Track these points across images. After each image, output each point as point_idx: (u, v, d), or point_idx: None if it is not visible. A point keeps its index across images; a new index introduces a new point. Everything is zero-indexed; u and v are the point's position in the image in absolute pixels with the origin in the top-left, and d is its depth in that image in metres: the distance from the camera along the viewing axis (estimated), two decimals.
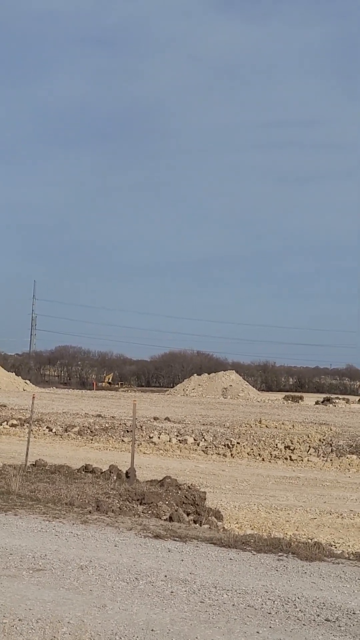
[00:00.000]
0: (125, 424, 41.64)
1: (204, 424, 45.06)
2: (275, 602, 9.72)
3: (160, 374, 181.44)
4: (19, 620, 8.50)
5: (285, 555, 12.45)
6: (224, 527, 17.18)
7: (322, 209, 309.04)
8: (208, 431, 40.16)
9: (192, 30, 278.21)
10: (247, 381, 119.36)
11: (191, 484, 20.13)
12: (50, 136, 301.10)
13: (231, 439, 37.38)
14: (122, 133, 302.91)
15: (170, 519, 15.53)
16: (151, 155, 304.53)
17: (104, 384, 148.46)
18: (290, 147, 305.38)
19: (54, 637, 7.82)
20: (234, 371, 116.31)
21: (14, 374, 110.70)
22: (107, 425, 41.58)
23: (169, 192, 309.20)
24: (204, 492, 18.79)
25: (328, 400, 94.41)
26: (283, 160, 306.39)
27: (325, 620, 9.14)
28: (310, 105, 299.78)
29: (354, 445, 36.33)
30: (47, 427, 40.39)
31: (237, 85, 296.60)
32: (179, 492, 18.05)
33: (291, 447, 35.69)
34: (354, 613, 9.44)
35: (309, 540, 15.14)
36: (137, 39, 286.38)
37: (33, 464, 22.50)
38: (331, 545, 15.96)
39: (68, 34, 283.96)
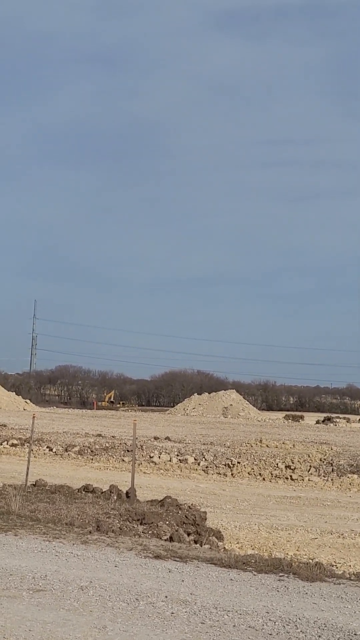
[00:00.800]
0: (125, 443, 41.57)
1: (204, 444, 44.99)
2: (277, 623, 9.68)
3: (161, 393, 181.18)
4: None
5: (286, 575, 12.41)
6: (224, 547, 17.12)
7: (322, 227, 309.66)
8: (209, 451, 40.07)
9: (192, 49, 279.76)
10: (248, 400, 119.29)
11: (192, 504, 20.09)
12: (51, 155, 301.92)
13: (232, 458, 37.29)
14: (123, 152, 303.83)
15: (171, 539, 15.49)
16: (151, 174, 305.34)
17: (104, 403, 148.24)
18: (291, 166, 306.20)
19: None
20: (234, 390, 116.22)
21: (14, 393, 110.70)
22: (107, 444, 41.50)
23: (169, 211, 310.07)
24: (205, 512, 18.75)
25: (329, 419, 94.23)
26: (283, 178, 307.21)
27: None
28: (310, 123, 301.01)
29: (354, 464, 36.23)
30: (47, 447, 40.30)
31: (237, 103, 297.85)
32: (180, 512, 18.02)
33: (292, 467, 35.59)
34: (355, 634, 9.40)
35: (310, 561, 15.09)
36: (137, 58, 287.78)
37: (33, 484, 22.45)
38: (332, 566, 15.92)
39: (68, 54, 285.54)
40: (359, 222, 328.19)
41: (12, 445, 41.38)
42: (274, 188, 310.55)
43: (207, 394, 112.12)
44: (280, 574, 12.46)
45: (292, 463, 36.35)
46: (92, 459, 37.22)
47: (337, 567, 16.03)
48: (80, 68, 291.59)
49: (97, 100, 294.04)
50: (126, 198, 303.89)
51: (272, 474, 34.41)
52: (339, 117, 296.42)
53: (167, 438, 47.89)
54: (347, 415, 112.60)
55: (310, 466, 35.94)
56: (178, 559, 13.27)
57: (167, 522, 16.69)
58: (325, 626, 9.65)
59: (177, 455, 38.47)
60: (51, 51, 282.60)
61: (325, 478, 33.70)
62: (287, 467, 35.69)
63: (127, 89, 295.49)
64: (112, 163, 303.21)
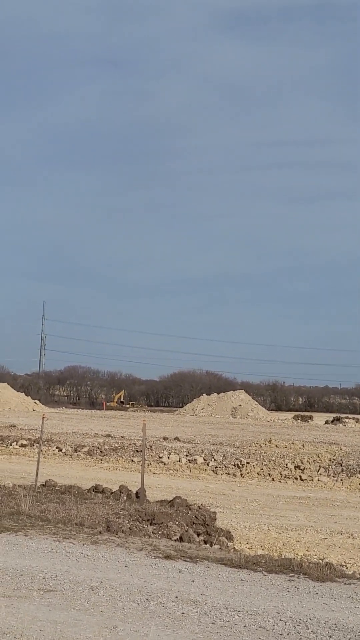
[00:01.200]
0: (134, 444, 41.58)
1: (213, 444, 44.98)
2: (287, 624, 9.68)
3: (170, 393, 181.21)
4: None
5: (297, 576, 12.40)
6: (234, 548, 17.11)
7: (329, 228, 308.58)
8: (218, 451, 40.06)
9: (199, 51, 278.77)
10: (257, 401, 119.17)
11: (201, 504, 20.09)
12: (58, 157, 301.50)
13: (241, 458, 37.27)
14: (129, 153, 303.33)
15: (181, 539, 15.49)
16: (159, 176, 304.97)
17: (113, 403, 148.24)
18: (296, 167, 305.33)
19: None
20: (243, 391, 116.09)
21: (23, 394, 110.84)
22: (116, 445, 41.52)
23: (177, 212, 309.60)
24: (214, 512, 18.75)
25: (338, 419, 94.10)
26: (289, 179, 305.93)
27: None
28: (316, 125, 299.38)
29: None
30: (56, 447, 40.35)
31: (244, 105, 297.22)
32: (189, 512, 18.02)
33: (301, 467, 35.55)
34: None
35: (320, 561, 15.07)
36: (144, 60, 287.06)
37: (43, 484, 22.48)
38: (342, 566, 15.89)
39: (76, 55, 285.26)
40: None
41: (22, 445, 41.44)
42: (279, 189, 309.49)
43: (215, 394, 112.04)
44: (291, 575, 12.45)
45: (302, 463, 36.30)
46: (101, 460, 37.25)
47: (347, 568, 16.00)
48: (87, 70, 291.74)
49: (104, 102, 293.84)
50: (133, 199, 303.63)
51: (281, 474, 34.39)
52: (344, 119, 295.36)
53: (177, 438, 47.90)
54: (356, 416, 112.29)
55: (319, 466, 35.89)
56: (188, 559, 13.28)
57: (177, 523, 16.68)
58: (336, 626, 9.64)
59: (187, 455, 38.46)
60: (58, 53, 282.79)
61: (335, 478, 33.65)
62: (297, 467, 35.64)
63: (134, 91, 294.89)
64: (119, 165, 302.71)
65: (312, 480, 33.42)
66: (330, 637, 9.24)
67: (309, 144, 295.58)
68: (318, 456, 39.04)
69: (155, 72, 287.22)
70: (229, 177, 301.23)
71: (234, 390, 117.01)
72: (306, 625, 9.63)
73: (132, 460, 36.58)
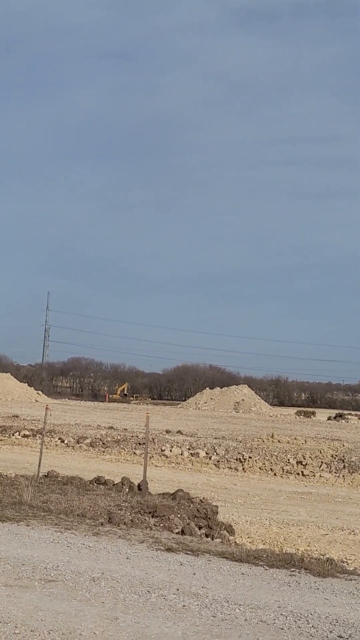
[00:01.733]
0: (137, 436, 41.62)
1: (216, 438, 44.99)
2: (288, 618, 9.67)
3: (173, 387, 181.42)
4: (32, 631, 8.49)
5: (298, 570, 12.40)
6: (235, 542, 17.13)
7: (336, 225, 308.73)
8: (220, 445, 40.06)
9: (209, 47, 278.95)
10: (260, 396, 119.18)
11: (203, 498, 20.12)
12: (67, 150, 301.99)
13: (243, 453, 37.27)
14: (139, 148, 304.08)
15: (182, 532, 15.50)
16: (167, 170, 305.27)
17: (116, 395, 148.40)
18: (306, 164, 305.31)
19: None
20: (246, 385, 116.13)
21: (26, 384, 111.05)
22: (119, 437, 41.55)
23: (185, 207, 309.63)
24: (216, 506, 18.77)
25: (340, 416, 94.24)
26: (299, 176, 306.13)
27: (338, 637, 9.09)
28: (326, 122, 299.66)
29: None
30: (59, 439, 40.38)
31: (254, 101, 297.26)
32: (191, 505, 18.04)
33: (303, 463, 35.56)
34: None
35: (321, 557, 15.07)
36: (155, 55, 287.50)
37: (45, 475, 22.52)
38: (343, 562, 15.89)
39: (86, 49, 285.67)
40: None
41: (24, 436, 41.49)
42: (287, 186, 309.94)
43: (219, 388, 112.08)
44: (292, 569, 12.46)
45: (304, 459, 36.30)
46: (103, 451, 37.28)
47: (348, 564, 16.01)
48: (96, 64, 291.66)
49: (113, 97, 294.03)
50: (140, 194, 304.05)
51: (283, 470, 34.40)
52: (353, 116, 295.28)
53: (179, 432, 47.92)
54: (358, 412, 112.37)
55: (321, 462, 35.89)
56: (189, 552, 13.29)
57: (179, 516, 16.70)
58: (337, 622, 9.64)
59: (189, 449, 38.48)
60: (67, 46, 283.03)
61: (337, 474, 33.66)
62: (299, 462, 35.65)
63: (143, 86, 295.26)
64: (126, 159, 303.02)
65: (314, 476, 33.43)
66: (330, 632, 9.24)
67: (317, 140, 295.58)
68: (320, 452, 39.03)
69: (165, 67, 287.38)
70: (236, 173, 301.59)
71: (237, 385, 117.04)
72: (307, 620, 9.63)
73: (135, 453, 36.60)
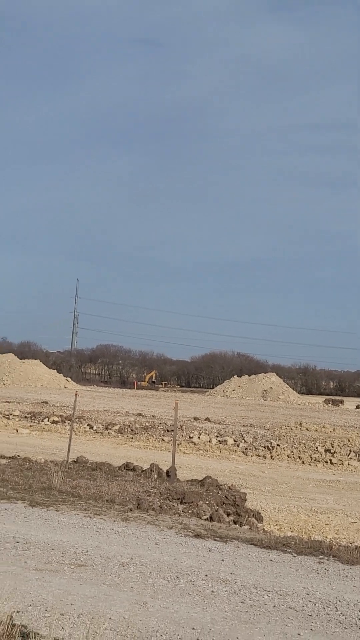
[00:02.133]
0: (165, 423, 41.72)
1: (244, 425, 45.02)
2: (317, 605, 9.68)
3: (201, 374, 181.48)
4: (61, 614, 8.55)
5: (326, 558, 12.39)
6: (264, 529, 17.14)
7: None
8: (248, 432, 40.09)
9: (239, 32, 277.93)
10: (288, 384, 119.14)
11: (231, 485, 20.13)
12: (96, 137, 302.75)
13: (271, 440, 37.28)
14: (168, 134, 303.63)
15: (211, 518, 15.54)
16: (197, 157, 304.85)
17: (144, 382, 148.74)
18: (333, 151, 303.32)
19: (96, 632, 7.84)
20: (274, 373, 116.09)
21: (55, 371, 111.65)
22: (147, 424, 41.68)
23: (211, 195, 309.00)
24: (244, 493, 18.78)
25: None
26: (325, 163, 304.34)
27: None
28: (353, 108, 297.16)
29: None
30: (88, 425, 40.58)
31: (281, 87, 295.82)
32: (220, 492, 18.06)
33: (331, 451, 35.50)
34: None
35: (350, 544, 15.05)
36: (184, 40, 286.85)
37: (74, 461, 22.63)
38: None
39: (115, 34, 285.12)
40: None
41: (53, 422, 41.75)
42: (316, 173, 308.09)
43: (247, 376, 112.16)
44: (320, 557, 12.45)
45: (332, 447, 36.24)
46: (132, 438, 37.41)
47: None
48: (127, 49, 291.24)
49: (143, 82, 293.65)
50: (169, 181, 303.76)
51: (311, 458, 34.35)
52: None
53: (207, 419, 47.99)
54: None
55: (350, 450, 35.81)
56: (218, 539, 13.32)
57: (207, 502, 16.73)
58: None
59: (217, 436, 38.53)
60: (98, 31, 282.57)
61: None
62: (327, 450, 35.60)
63: (173, 72, 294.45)
64: (156, 145, 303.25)
65: (342, 464, 33.35)
66: (359, 619, 9.23)
67: (343, 127, 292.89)
68: (349, 440, 38.95)
69: (194, 53, 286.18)
70: (266, 160, 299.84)
71: (265, 373, 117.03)
72: (335, 607, 9.62)
73: (163, 440, 36.70)
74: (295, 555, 12.50)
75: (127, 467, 21.89)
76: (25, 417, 43.84)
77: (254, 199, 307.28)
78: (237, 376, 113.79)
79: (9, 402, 53.42)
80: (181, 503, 16.52)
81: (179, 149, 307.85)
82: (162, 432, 38.91)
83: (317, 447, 36.28)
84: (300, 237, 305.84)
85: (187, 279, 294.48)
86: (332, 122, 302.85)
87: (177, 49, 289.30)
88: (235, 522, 16.46)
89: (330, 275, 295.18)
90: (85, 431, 38.95)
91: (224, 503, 17.18)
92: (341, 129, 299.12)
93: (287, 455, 34.74)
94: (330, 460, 33.96)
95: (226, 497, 17.50)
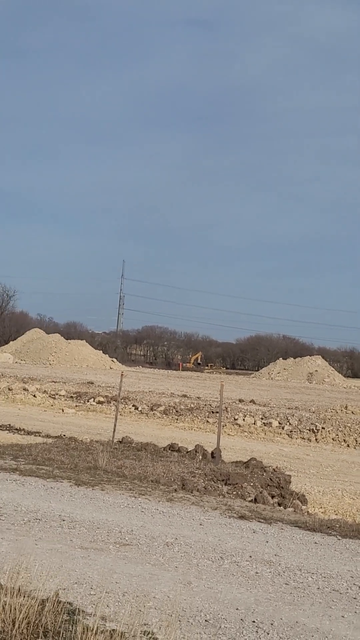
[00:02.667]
0: (210, 405, 41.77)
1: (289, 408, 44.91)
2: None
3: (246, 357, 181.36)
4: (106, 593, 8.63)
5: None
6: (308, 511, 17.12)
7: None
8: (293, 415, 40.00)
9: (291, 12, 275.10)
10: (333, 367, 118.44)
11: (276, 467, 20.14)
12: (147, 118, 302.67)
13: (316, 423, 37.16)
14: (219, 115, 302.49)
15: (255, 500, 15.56)
16: (248, 138, 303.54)
17: (189, 364, 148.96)
18: None
19: (141, 610, 7.91)
20: (319, 356, 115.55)
21: (101, 352, 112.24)
22: (192, 405, 41.76)
23: (264, 175, 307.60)
24: (289, 476, 18.78)
25: None
26: None
27: None
28: None
29: None
30: (133, 406, 40.76)
31: (337, 67, 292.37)
32: (264, 474, 18.08)
33: None
34: None
35: None
36: (235, 22, 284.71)
37: (119, 441, 22.79)
38: None
39: (166, 15, 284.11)
40: None
41: (99, 402, 41.99)
42: None
43: (292, 359, 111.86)
44: None
45: None
46: (177, 419, 37.52)
47: None
48: (178, 31, 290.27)
49: (195, 63, 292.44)
50: (220, 162, 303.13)
51: (356, 441, 34.20)
52: None
53: (252, 401, 47.95)
54: None
55: None
56: (262, 520, 13.34)
57: (252, 484, 16.76)
58: None
59: (262, 418, 38.50)
60: (149, 14, 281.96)
61: None
62: None
63: (226, 52, 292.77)
64: (207, 127, 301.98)
65: None
66: None
67: None
68: None
69: (246, 34, 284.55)
70: (318, 140, 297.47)
71: (310, 356, 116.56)
72: None
73: (207, 421, 36.76)
74: (340, 538, 12.49)
75: (172, 448, 21.98)
76: (71, 397, 44.15)
77: (307, 180, 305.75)
78: (283, 359, 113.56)
79: (55, 382, 53.84)
80: (226, 484, 16.57)
81: (234, 129, 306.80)
82: (207, 413, 38.96)
83: None
84: (353, 218, 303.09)
85: (234, 260, 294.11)
86: None
87: (230, 30, 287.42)
88: (279, 504, 16.47)
89: None
90: (130, 412, 39.14)
91: (268, 485, 17.19)
92: None
93: (332, 439, 34.62)
94: None
95: (270, 479, 17.52)
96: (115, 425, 24.11)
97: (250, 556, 10.76)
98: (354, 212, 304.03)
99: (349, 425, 37.50)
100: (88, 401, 42.27)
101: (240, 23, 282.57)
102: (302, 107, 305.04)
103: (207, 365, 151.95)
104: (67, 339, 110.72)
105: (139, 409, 40.07)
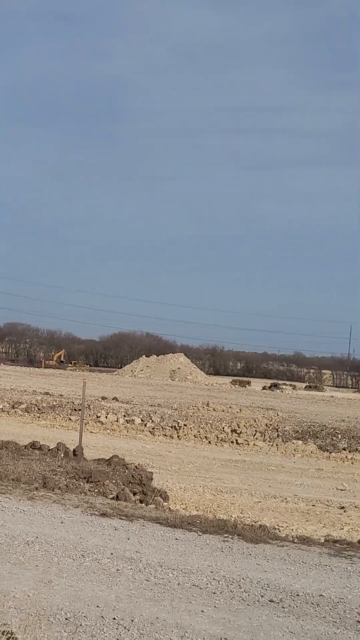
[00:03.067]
0: (73, 402, 41.53)
1: (151, 405, 45.12)
2: (220, 582, 9.81)
3: (109, 354, 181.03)
4: None
5: (231, 536, 12.55)
6: (169, 508, 17.24)
7: (279, 195, 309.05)
8: (155, 412, 40.22)
9: (156, 10, 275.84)
10: (196, 364, 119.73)
11: (138, 464, 20.22)
12: (9, 113, 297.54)
13: (178, 420, 37.50)
14: (82, 113, 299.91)
15: (117, 497, 15.57)
16: (115, 136, 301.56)
17: (52, 362, 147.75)
18: (252, 134, 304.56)
19: (0, 610, 7.80)
20: (182, 354, 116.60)
21: None
22: (54, 403, 41.44)
23: (129, 174, 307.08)
24: (151, 473, 18.88)
25: (275, 385, 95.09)
26: (244, 146, 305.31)
27: (269, 601, 9.25)
28: (272, 91, 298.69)
29: (299, 431, 36.68)
30: None
31: (200, 68, 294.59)
32: (126, 471, 18.11)
33: (238, 431, 35.90)
34: (297, 595, 9.56)
35: (254, 523, 15.27)
36: (102, 17, 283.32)
37: None
38: (275, 529, 16.10)
39: (31, 10, 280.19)
40: (321, 193, 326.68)
41: None
42: (233, 155, 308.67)
43: (155, 356, 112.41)
44: (225, 535, 12.60)
45: (238, 427, 36.66)
46: (39, 417, 37.18)
47: (280, 530, 16.21)
48: (39, 25, 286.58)
49: (60, 59, 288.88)
50: (89, 159, 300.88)
51: (218, 438, 34.70)
52: (301, 87, 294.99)
53: (115, 399, 47.94)
54: (293, 382, 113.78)
55: (256, 431, 36.30)
56: (124, 518, 13.36)
57: (114, 481, 16.76)
58: (268, 586, 9.80)
59: (124, 415, 38.57)
60: (13, 8, 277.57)
61: (271, 443, 34.07)
62: (233, 431, 35.99)
63: (87, 49, 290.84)
64: (71, 124, 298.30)
65: (248, 444, 33.79)
66: (262, 596, 9.40)
67: (269, 110, 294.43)
68: (255, 421, 39.45)
69: (110, 30, 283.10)
70: (183, 140, 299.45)
71: (173, 353, 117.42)
72: (239, 585, 9.77)
73: (70, 419, 36.57)
74: (201, 533, 12.63)
75: (34, 446, 21.74)
76: None
77: (170, 178, 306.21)
78: (146, 356, 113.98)
79: None
80: (87, 482, 16.51)
81: (98, 127, 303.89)
82: (70, 411, 38.76)
83: (223, 428, 36.64)
84: (215, 218, 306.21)
85: (98, 258, 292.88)
86: (256, 105, 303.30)
87: (92, 26, 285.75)
88: (141, 501, 16.52)
89: (243, 257, 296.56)
90: None
91: (130, 482, 17.23)
92: (262, 111, 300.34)
93: (194, 435, 35.03)
94: (237, 440, 34.37)
95: (132, 477, 17.56)
96: None
97: (112, 553, 10.76)
98: (214, 211, 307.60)
99: (210, 422, 38.00)
100: None
101: (102, 19, 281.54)
102: (166, 107, 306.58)
103: (70, 363, 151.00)
104: None
105: (0, 406, 39.49)
